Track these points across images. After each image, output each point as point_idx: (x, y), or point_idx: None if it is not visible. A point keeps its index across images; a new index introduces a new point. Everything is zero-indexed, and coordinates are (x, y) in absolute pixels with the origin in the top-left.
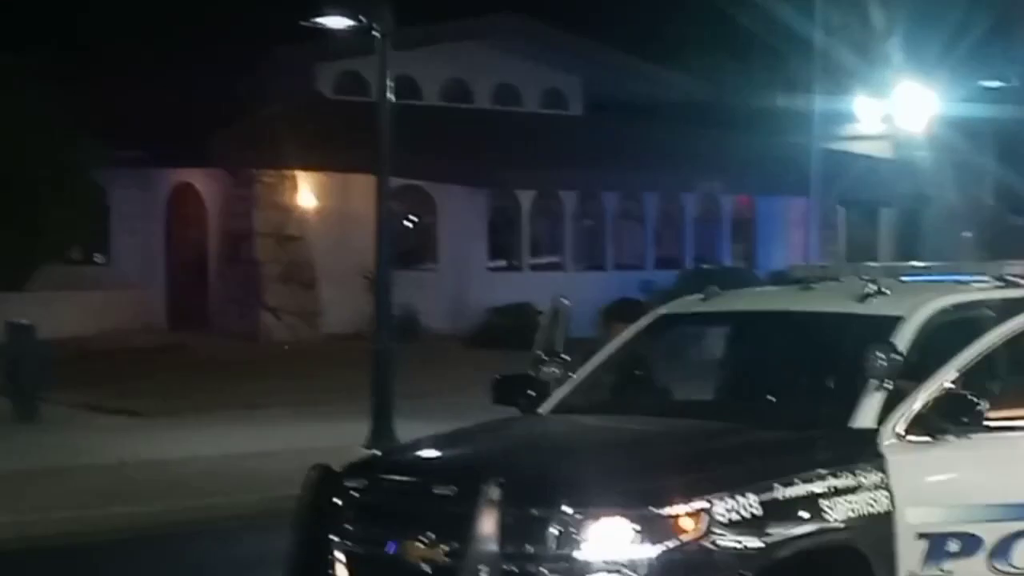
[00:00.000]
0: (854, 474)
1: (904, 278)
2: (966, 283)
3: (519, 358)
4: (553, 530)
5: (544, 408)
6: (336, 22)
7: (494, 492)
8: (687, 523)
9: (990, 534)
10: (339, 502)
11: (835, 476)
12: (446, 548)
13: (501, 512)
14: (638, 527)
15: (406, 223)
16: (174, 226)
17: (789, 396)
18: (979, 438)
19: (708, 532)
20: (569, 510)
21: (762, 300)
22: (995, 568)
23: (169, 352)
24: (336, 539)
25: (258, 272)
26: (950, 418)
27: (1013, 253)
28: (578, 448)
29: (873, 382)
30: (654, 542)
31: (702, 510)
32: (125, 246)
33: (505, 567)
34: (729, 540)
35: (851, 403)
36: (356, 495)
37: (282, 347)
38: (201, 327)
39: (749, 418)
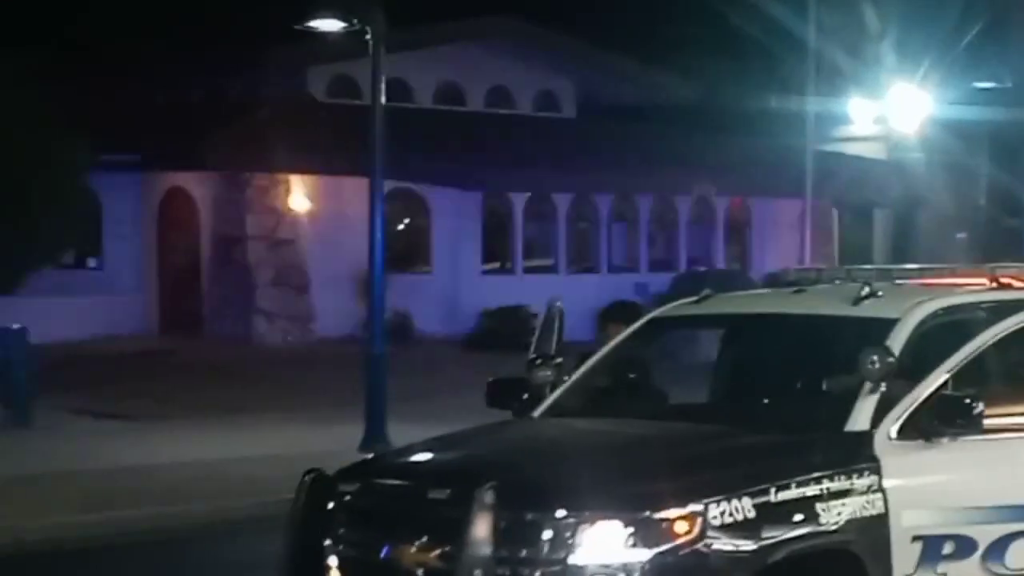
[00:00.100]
0: (848, 477)
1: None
2: (961, 285)
3: (513, 361)
4: (547, 534)
5: (538, 411)
6: (328, 25)
7: (488, 496)
8: (681, 527)
9: (984, 536)
10: (333, 506)
11: (830, 479)
12: (440, 552)
13: (495, 516)
14: (632, 531)
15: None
16: (166, 230)
17: (783, 399)
18: (973, 440)
19: (702, 535)
20: (563, 514)
21: (756, 303)
22: (989, 570)
23: (162, 356)
24: (330, 543)
25: (251, 276)
26: (945, 420)
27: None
28: (572, 452)
29: (867, 385)
30: (648, 546)
31: (696, 513)
32: (117, 250)
33: (499, 571)
34: (723, 543)
35: (845, 406)
36: (350, 499)
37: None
38: (194, 331)
39: (743, 421)
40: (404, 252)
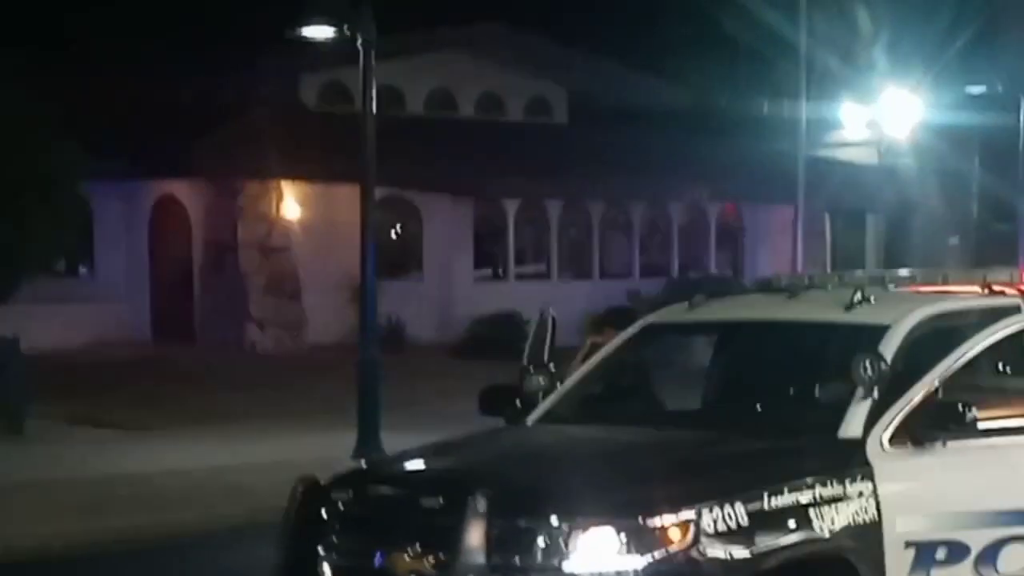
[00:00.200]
0: (842, 483)
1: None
2: (953, 291)
3: (506, 368)
4: (540, 541)
5: (531, 418)
6: (319, 32)
7: (481, 503)
8: (675, 533)
9: (976, 541)
10: (326, 514)
11: (823, 485)
12: (433, 560)
13: (488, 523)
14: (625, 537)
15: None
16: (158, 238)
17: (776, 405)
18: (965, 445)
19: (696, 542)
20: (556, 521)
21: (748, 309)
22: (982, 575)
23: (154, 364)
24: (323, 551)
25: (243, 283)
26: (937, 426)
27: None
28: (565, 458)
29: (860, 391)
30: (642, 552)
31: (690, 520)
32: (109, 258)
33: None
34: (717, 550)
35: (838, 412)
36: (343, 507)
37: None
38: (186, 339)
39: (736, 427)
40: (396, 259)
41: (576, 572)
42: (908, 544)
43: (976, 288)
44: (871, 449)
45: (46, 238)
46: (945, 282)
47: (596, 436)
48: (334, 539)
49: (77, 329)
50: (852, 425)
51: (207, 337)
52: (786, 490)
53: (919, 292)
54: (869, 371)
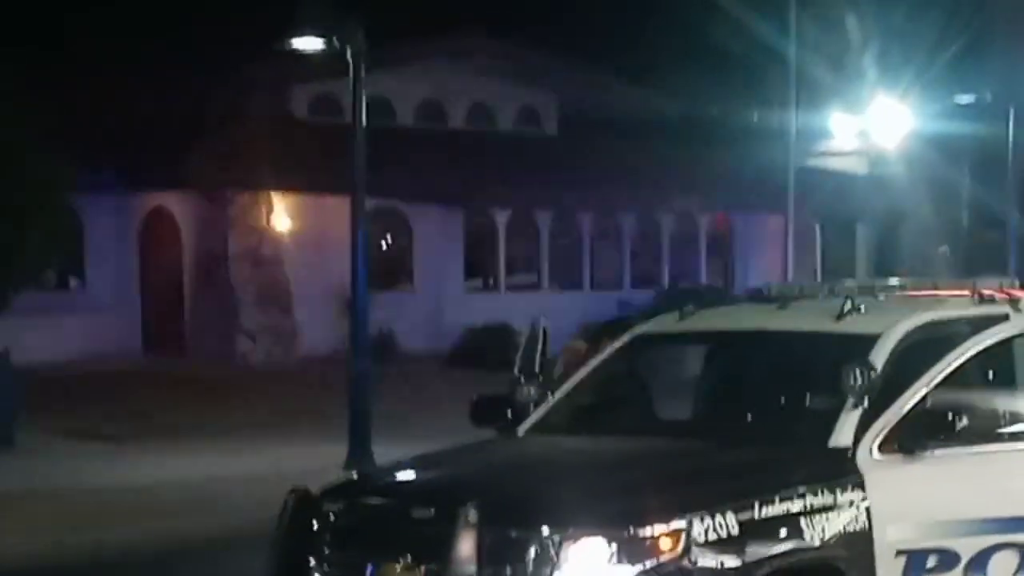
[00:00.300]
0: (832, 492)
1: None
2: (943, 300)
3: (497, 378)
4: (532, 551)
5: (522, 429)
6: (309, 44)
7: (472, 514)
8: (665, 543)
9: (967, 549)
10: (317, 525)
11: (813, 494)
12: (424, 571)
13: (479, 534)
14: (616, 547)
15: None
16: (148, 250)
17: (766, 415)
18: (955, 453)
19: (687, 551)
20: (547, 531)
21: (739, 319)
22: None
23: (145, 376)
24: (314, 562)
25: (233, 295)
26: (927, 434)
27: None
28: (556, 469)
29: (850, 400)
30: (633, 562)
31: (680, 530)
32: (100, 270)
33: None
34: (708, 559)
35: (828, 421)
36: (334, 518)
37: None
38: (177, 351)
39: (727, 437)
40: (387, 270)
41: None
42: (899, 552)
43: (966, 294)
44: (861, 458)
45: (36, 251)
46: (935, 289)
47: (587, 446)
48: (325, 550)
49: (68, 341)
50: (842, 434)
51: (198, 349)
52: (777, 499)
53: (911, 298)
54: (859, 380)
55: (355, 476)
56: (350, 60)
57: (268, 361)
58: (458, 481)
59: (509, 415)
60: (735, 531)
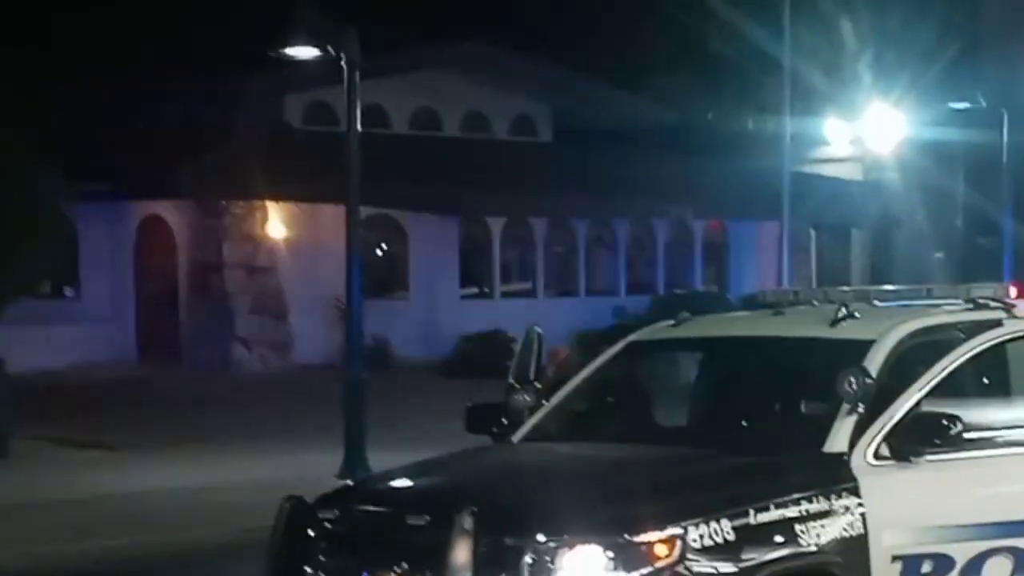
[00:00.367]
0: (828, 498)
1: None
2: (937, 306)
3: (492, 386)
4: (527, 559)
5: (517, 436)
6: (303, 52)
7: (467, 521)
8: (661, 550)
9: (961, 554)
10: (312, 533)
11: (809, 500)
12: None
13: (475, 541)
14: (612, 555)
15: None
16: (143, 259)
17: (761, 421)
18: (949, 458)
19: (682, 558)
20: (543, 538)
21: (733, 325)
22: None
23: (139, 385)
24: (309, 570)
25: (229, 304)
26: (922, 440)
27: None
28: (551, 476)
29: (845, 406)
30: (628, 570)
31: (676, 536)
32: (94, 279)
33: None
34: (703, 566)
35: (824, 427)
36: (329, 526)
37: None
38: (172, 360)
39: (722, 444)
40: (382, 278)
41: None
42: (895, 558)
43: (961, 302)
44: (856, 464)
45: (31, 260)
46: (930, 295)
47: (582, 453)
48: (321, 558)
49: (63, 350)
50: (837, 440)
51: (193, 358)
52: (772, 506)
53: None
54: (854, 386)
55: (350, 484)
56: (345, 68)
57: (263, 369)
58: (453, 488)
59: (504, 422)
60: (731, 537)
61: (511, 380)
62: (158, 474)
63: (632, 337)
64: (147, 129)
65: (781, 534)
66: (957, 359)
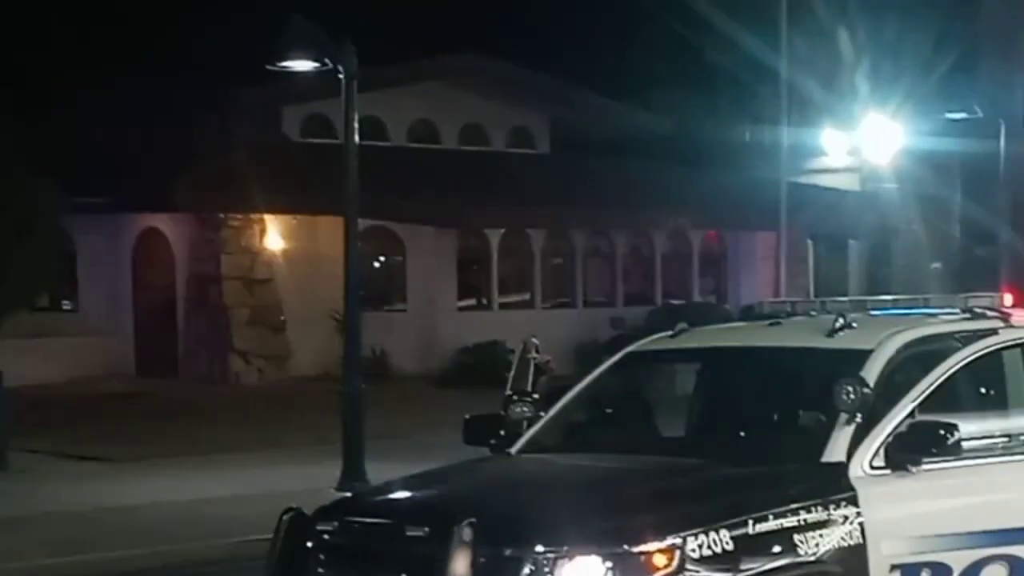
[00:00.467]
0: (826, 508)
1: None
2: (935, 315)
3: (490, 398)
4: (526, 570)
5: (515, 447)
6: (301, 65)
7: (466, 533)
8: (660, 560)
9: (958, 562)
10: (311, 545)
11: (807, 510)
12: None
13: (474, 553)
14: (611, 565)
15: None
16: (141, 271)
17: (760, 431)
18: (946, 467)
19: (681, 568)
20: (542, 549)
21: (731, 336)
22: None
23: (138, 398)
24: None
25: (226, 316)
26: (919, 449)
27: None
28: (550, 487)
29: (843, 416)
30: None
31: (674, 547)
32: (92, 292)
33: None
34: None
35: (821, 437)
36: (328, 538)
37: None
38: (170, 372)
39: (720, 454)
40: (380, 290)
41: None
42: (893, 567)
43: (958, 311)
44: (854, 474)
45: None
46: (927, 305)
47: (580, 464)
48: (320, 570)
49: (61, 363)
50: (836, 450)
51: (191, 370)
52: (771, 516)
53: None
54: (852, 396)
55: (349, 495)
56: (342, 80)
57: (261, 382)
58: (452, 500)
59: (502, 434)
60: (729, 547)
61: (509, 391)
62: (156, 486)
63: (630, 348)
64: (145, 141)
65: (780, 544)
66: (950, 368)
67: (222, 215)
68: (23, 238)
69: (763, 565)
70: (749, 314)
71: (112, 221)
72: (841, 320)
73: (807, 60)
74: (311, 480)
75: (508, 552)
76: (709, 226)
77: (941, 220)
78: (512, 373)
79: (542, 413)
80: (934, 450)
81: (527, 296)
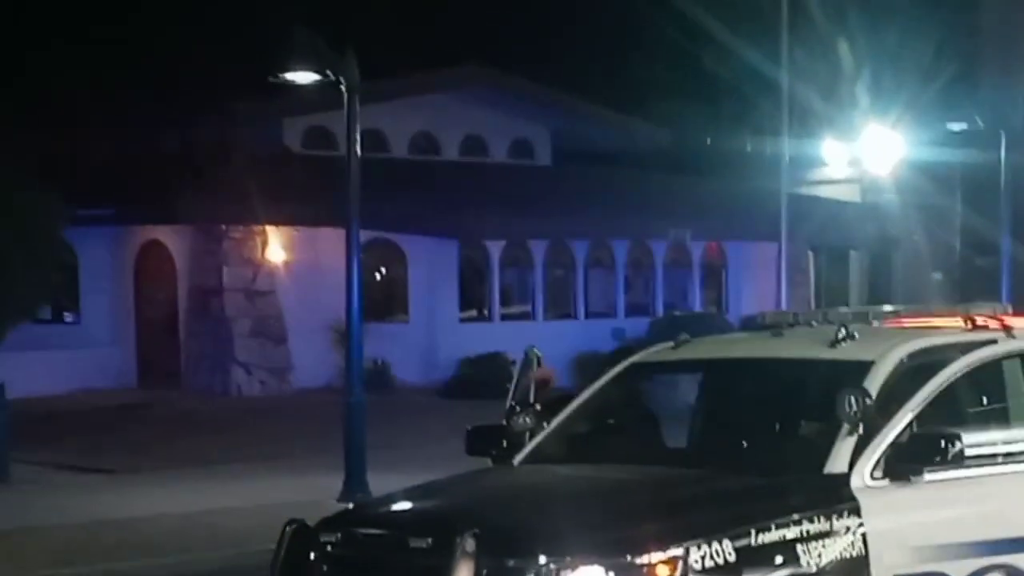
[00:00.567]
0: (828, 518)
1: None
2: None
3: (492, 408)
4: None
5: (518, 458)
6: (302, 77)
7: (469, 543)
8: (663, 571)
9: (959, 571)
10: (314, 556)
11: (809, 521)
12: None
13: (477, 564)
14: (614, 575)
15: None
16: (143, 283)
17: (762, 442)
18: (947, 477)
19: None
20: (544, 560)
21: (733, 347)
22: None
23: (140, 409)
24: None
25: (228, 327)
26: (920, 460)
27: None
28: (553, 498)
29: (845, 426)
30: None
31: (677, 557)
32: (94, 304)
33: None
34: None
35: (824, 448)
36: (331, 549)
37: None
38: (172, 384)
39: (723, 465)
40: (381, 301)
41: None
42: None
43: (959, 322)
44: (857, 484)
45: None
46: (929, 316)
47: (583, 475)
48: None
49: (63, 375)
50: (838, 461)
51: (193, 381)
52: (773, 526)
53: (903, 327)
54: (854, 407)
55: (351, 507)
56: (344, 92)
57: (263, 393)
58: (455, 511)
59: (504, 444)
60: (732, 558)
61: (511, 402)
62: (158, 498)
63: (632, 359)
64: (147, 154)
65: (782, 554)
66: (949, 379)
67: (224, 227)
68: (26, 250)
69: (766, 575)
70: (750, 325)
71: (114, 233)
72: (843, 331)
73: (808, 71)
74: (313, 491)
75: (511, 563)
76: (710, 237)
77: (942, 231)
78: (514, 384)
79: (545, 424)
80: (936, 460)
81: (528, 307)
